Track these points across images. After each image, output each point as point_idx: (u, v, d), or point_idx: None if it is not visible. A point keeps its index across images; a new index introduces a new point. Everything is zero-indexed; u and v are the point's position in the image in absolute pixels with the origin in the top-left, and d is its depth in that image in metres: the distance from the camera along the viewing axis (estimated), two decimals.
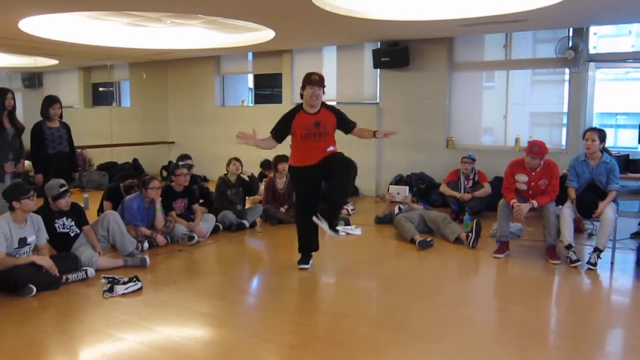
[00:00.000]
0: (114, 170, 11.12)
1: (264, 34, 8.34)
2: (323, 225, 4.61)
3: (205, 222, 6.25)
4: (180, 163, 6.61)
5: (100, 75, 13.39)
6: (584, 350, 3.37)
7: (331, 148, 4.78)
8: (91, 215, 5.81)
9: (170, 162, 9.69)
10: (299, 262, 5.00)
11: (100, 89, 13.77)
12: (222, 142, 10.76)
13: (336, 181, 4.66)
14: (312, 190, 4.84)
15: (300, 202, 4.98)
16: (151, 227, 5.82)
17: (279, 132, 4.77)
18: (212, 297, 4.36)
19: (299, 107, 4.76)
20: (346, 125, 4.89)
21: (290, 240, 6.43)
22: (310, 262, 5.02)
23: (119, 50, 9.69)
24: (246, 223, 6.69)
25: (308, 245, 5.02)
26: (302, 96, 4.72)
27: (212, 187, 7.35)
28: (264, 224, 7.03)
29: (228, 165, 6.92)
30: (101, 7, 6.90)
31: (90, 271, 4.65)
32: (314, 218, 4.63)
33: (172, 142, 11.83)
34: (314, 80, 4.60)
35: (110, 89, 13.49)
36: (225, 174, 6.95)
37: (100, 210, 6.30)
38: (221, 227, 6.52)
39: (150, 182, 5.78)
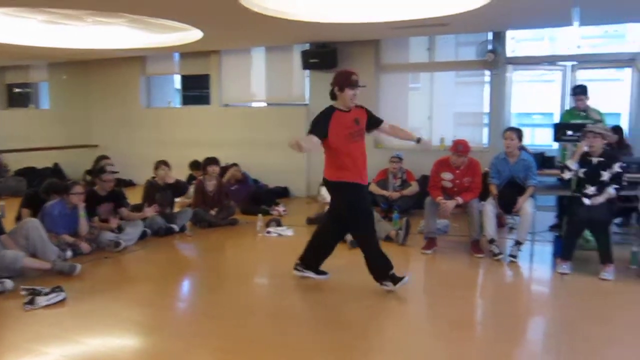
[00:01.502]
0: (33, 176, 10.56)
1: (192, 34, 8.18)
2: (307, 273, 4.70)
3: (133, 227, 6.06)
4: (108, 168, 6.35)
5: (15, 75, 12.67)
6: (508, 339, 3.55)
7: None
8: (8, 224, 5.49)
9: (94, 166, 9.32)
10: (398, 281, 4.31)
11: (16, 90, 13.04)
12: (149, 144, 10.47)
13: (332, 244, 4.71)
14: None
15: (372, 224, 4.42)
16: (74, 234, 5.58)
17: (320, 132, 4.23)
18: (141, 305, 4.24)
19: (332, 109, 4.34)
20: (375, 121, 4.57)
21: (221, 244, 6.37)
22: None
23: (36, 49, 9.20)
24: (175, 227, 6.54)
25: (388, 261, 4.42)
26: (333, 95, 4.37)
27: (139, 192, 7.13)
28: (193, 228, 6.89)
29: (156, 169, 6.75)
30: (12, 4, 6.53)
31: (8, 283, 4.39)
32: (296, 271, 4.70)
33: (96, 146, 11.37)
34: (355, 82, 4.31)
35: (27, 90, 12.82)
36: (153, 178, 6.77)
37: (19, 218, 5.97)
38: (149, 232, 6.34)
39: (73, 187, 5.55)
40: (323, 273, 4.76)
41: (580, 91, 6.41)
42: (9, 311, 4.03)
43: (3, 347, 3.43)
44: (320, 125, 4.26)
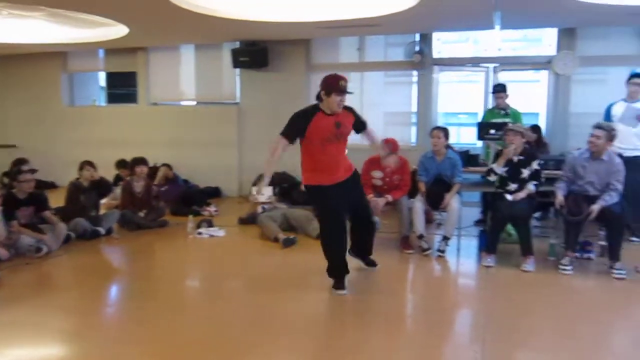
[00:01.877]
0: None
1: (117, 30, 7.90)
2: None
3: (55, 231, 5.79)
4: (25, 168, 6.05)
5: None
6: (438, 332, 3.67)
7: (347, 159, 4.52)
8: None
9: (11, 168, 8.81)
10: (337, 287, 4.34)
11: None
12: (73, 144, 10.02)
13: (362, 238, 4.74)
14: (343, 204, 4.32)
15: (334, 220, 4.29)
16: None
17: (294, 134, 4.22)
18: (65, 312, 4.06)
19: (316, 108, 4.21)
20: (361, 125, 4.55)
21: (151, 246, 6.21)
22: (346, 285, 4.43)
23: None
24: (101, 230, 6.30)
25: (343, 267, 4.43)
26: (319, 98, 4.21)
27: (62, 194, 6.82)
28: (121, 230, 6.67)
29: (80, 169, 6.47)
30: None
31: None
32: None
33: (13, 146, 10.76)
34: (342, 88, 4.12)
35: None
36: (77, 179, 6.50)
37: None
38: (73, 235, 6.07)
39: None
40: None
41: (500, 89, 6.73)
42: None
43: None
44: (295, 127, 4.21)
